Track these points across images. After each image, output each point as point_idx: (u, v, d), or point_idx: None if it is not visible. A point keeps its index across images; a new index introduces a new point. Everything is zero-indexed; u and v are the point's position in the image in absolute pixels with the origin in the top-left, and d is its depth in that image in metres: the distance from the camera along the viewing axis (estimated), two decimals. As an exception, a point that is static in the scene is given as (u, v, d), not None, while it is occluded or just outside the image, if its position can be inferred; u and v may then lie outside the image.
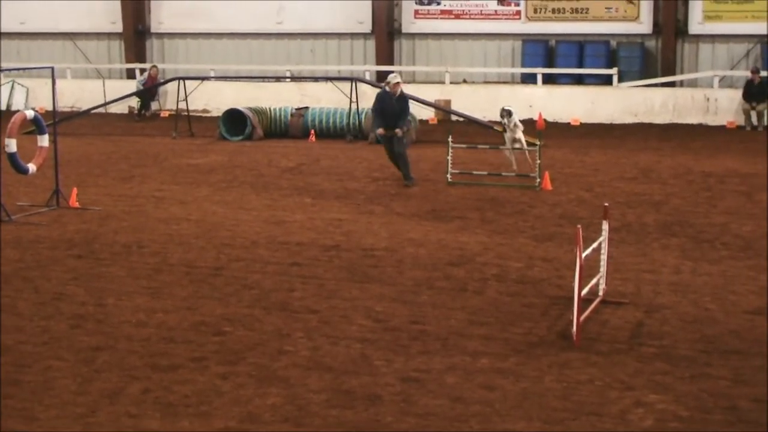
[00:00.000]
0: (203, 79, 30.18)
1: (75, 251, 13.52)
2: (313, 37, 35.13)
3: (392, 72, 21.99)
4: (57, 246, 13.84)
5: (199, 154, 23.77)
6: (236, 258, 13.08)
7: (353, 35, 34.87)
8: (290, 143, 25.70)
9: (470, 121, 26.80)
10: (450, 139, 19.10)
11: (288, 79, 32.34)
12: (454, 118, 29.00)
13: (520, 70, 32.87)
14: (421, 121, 27.80)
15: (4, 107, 31.81)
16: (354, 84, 27.05)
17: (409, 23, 34.33)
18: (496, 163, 20.41)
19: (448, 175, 18.96)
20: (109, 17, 36.41)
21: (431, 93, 30.15)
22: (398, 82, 19.10)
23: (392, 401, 8.14)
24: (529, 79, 32.20)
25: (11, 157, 15.77)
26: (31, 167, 16.31)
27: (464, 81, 33.13)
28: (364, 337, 9.80)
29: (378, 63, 33.90)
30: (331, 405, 8.06)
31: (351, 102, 26.77)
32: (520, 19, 33.10)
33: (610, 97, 30.62)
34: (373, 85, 28.61)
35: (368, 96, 28.09)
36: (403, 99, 19.23)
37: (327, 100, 29.08)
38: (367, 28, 34.43)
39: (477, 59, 33.73)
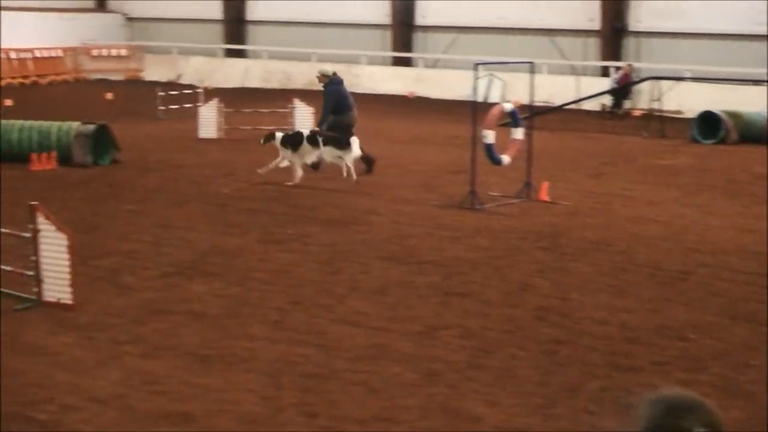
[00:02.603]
0: (678, 79, 29.64)
1: (542, 244, 13.74)
2: (798, 38, 33.46)
3: None
4: (525, 237, 14.13)
5: (669, 156, 23.38)
6: (703, 263, 12.73)
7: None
8: (766, 149, 24.65)
9: None
10: None
11: (766, 83, 30.98)
12: None
13: None
14: None
15: (481, 99, 32.87)
16: None
17: None
18: None
19: None
20: (588, 14, 36.67)
21: None
22: (317, 76, 20.21)
23: None
24: None
25: (488, 147, 16.30)
26: (505, 159, 16.76)
27: None
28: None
29: None
30: (800, 427, 7.64)
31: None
32: None
33: None
34: None
35: None
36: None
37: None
38: None
39: None
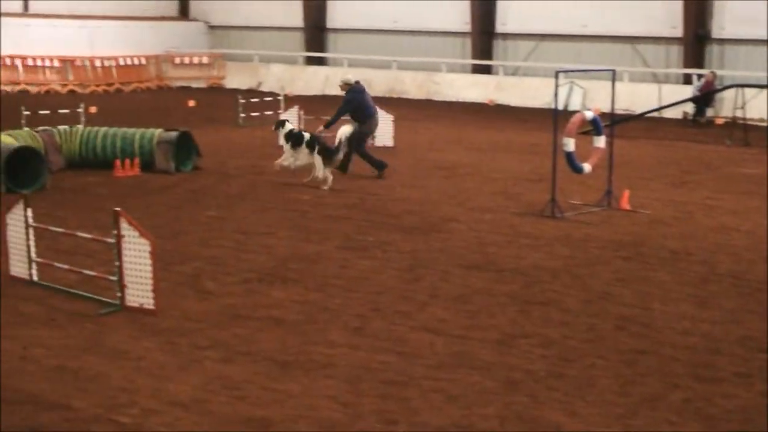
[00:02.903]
0: (762, 87, 29.16)
1: (623, 253, 13.62)
2: None
3: None
4: (605, 246, 14.02)
5: (753, 164, 23.03)
6: (789, 274, 12.53)
7: None
8: None
9: None
10: None
11: None
12: None
13: None
14: None
15: (562, 107, 32.71)
16: None
17: None
18: None
19: None
20: (670, 22, 36.24)
21: None
22: (339, 85, 20.45)
23: None
24: None
25: (568, 155, 16.19)
26: (586, 167, 16.63)
27: None
28: None
29: None
30: None
31: None
32: None
33: None
34: None
35: None
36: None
37: None
38: None
39: None
